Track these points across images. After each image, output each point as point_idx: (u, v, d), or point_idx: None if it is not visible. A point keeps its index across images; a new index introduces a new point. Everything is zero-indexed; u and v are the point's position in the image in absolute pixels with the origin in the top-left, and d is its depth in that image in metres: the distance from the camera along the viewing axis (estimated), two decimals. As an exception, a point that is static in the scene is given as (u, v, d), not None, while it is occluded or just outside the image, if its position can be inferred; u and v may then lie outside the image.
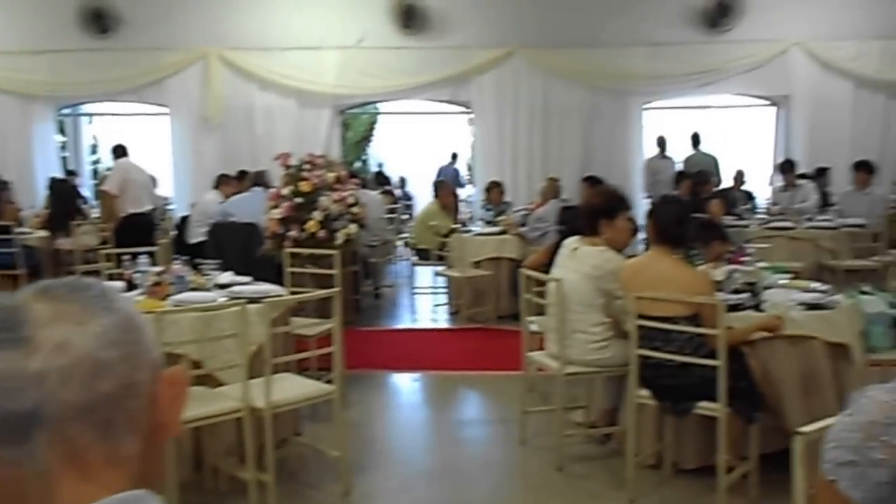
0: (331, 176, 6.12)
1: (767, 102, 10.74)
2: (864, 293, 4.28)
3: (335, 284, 4.44)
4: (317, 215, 5.82)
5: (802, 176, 8.96)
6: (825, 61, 10.04)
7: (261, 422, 3.34)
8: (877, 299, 4.22)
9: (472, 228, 7.98)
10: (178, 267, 4.02)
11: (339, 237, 5.95)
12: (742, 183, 9.25)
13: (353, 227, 5.99)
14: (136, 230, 7.37)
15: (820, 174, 9.37)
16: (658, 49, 9.92)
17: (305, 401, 3.62)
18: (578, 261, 3.94)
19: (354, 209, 6.16)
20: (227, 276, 4.37)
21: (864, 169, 8.30)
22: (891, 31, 9.92)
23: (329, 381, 3.66)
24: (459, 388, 5.54)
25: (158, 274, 3.95)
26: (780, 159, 9.86)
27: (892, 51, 9.93)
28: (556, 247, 4.45)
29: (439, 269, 7.73)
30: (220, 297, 3.90)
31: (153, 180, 8.85)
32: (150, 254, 4.28)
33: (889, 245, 7.44)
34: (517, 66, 9.99)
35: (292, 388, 3.57)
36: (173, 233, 8.64)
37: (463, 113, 10.80)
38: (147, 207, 8.11)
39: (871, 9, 9.98)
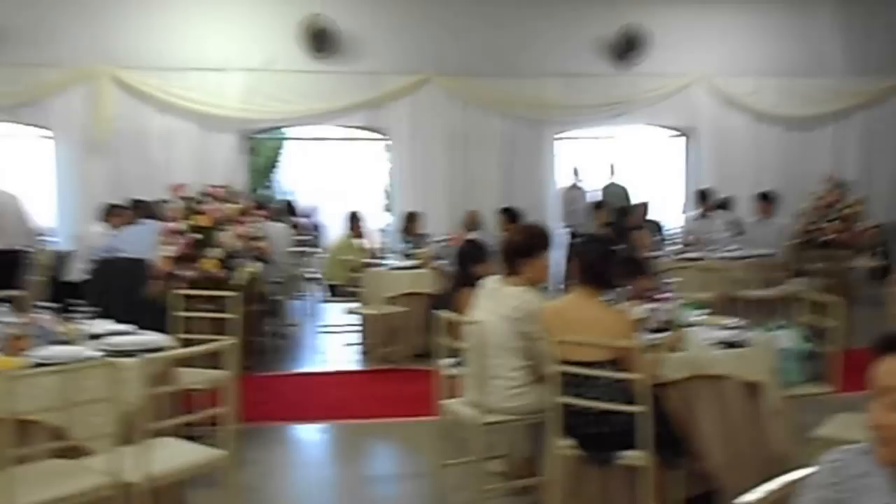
0: (232, 208, 5.78)
1: (677, 134, 11.08)
2: (776, 328, 4.31)
3: (232, 330, 4.13)
4: (216, 252, 5.47)
5: (719, 206, 9.17)
6: (726, 96, 10.50)
7: (136, 499, 2.93)
8: (789, 333, 4.24)
9: (387, 262, 7.77)
10: (41, 316, 3.56)
11: (241, 276, 5.61)
12: (647, 213, 9.37)
13: (256, 265, 5.67)
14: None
15: (722, 205, 9.57)
16: (570, 80, 10.09)
17: (190, 470, 3.24)
18: (498, 301, 3.79)
19: (258, 244, 5.85)
20: (103, 325, 3.96)
21: (765, 199, 8.58)
22: (785, 69, 10.49)
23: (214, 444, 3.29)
24: (370, 438, 5.25)
25: (18, 325, 3.45)
26: (691, 189, 10.14)
27: (787, 87, 10.50)
28: (461, 285, 4.30)
29: (351, 305, 7.45)
30: (90, 351, 3.47)
31: (24, 211, 7.75)
32: (11, 300, 3.83)
33: (794, 274, 7.64)
34: (433, 93, 9.93)
35: (174, 455, 3.19)
36: (50, 272, 7.81)
37: (379, 140, 10.63)
38: (16, 242, 7.32)
39: (767, 48, 10.54)
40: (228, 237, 5.57)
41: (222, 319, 4.58)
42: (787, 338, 4.21)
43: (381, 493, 4.37)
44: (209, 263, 5.50)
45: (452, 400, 4.00)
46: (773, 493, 1.81)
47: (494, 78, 9.98)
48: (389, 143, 10.27)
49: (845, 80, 10.66)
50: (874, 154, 10.83)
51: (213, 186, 6.04)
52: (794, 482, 1.80)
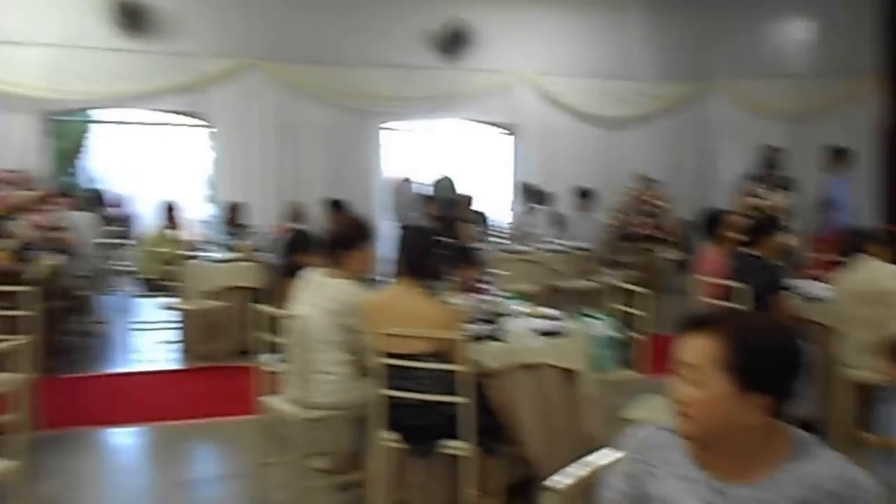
0: (28, 195, 5.31)
1: (505, 130, 11.44)
2: (591, 317, 4.54)
3: (28, 328, 3.78)
4: (9, 244, 4.99)
5: (542, 201, 9.55)
6: (549, 95, 10.94)
7: None
8: (603, 322, 4.49)
9: (207, 254, 7.44)
10: None
11: (39, 269, 5.16)
12: (470, 205, 9.62)
13: (57, 258, 5.24)
14: None
15: (545, 200, 9.98)
16: (397, 71, 10.12)
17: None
18: (321, 294, 3.73)
19: (59, 235, 5.41)
20: None
21: (584, 196, 9.08)
22: (602, 72, 11.07)
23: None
24: (188, 440, 5.00)
25: None
26: (518, 184, 10.51)
27: (607, 90, 11.10)
28: (288, 275, 4.21)
29: (168, 300, 7.08)
30: None
31: None
32: None
33: (608, 266, 8.13)
34: (258, 79, 9.61)
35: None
36: None
37: (200, 126, 10.14)
38: None
39: (585, 50, 11.07)
40: (22, 227, 5.11)
41: (15, 317, 4.20)
42: (600, 326, 4.46)
43: (200, 497, 4.18)
44: (0, 255, 5.02)
45: (274, 397, 3.90)
46: (581, 476, 1.91)
47: (321, 66, 9.82)
48: (214, 130, 9.87)
49: (654, 85, 11.46)
50: (680, 155, 11.72)
51: (6, 171, 5.52)
52: (602, 464, 1.91)
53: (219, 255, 7.33)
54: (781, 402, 1.55)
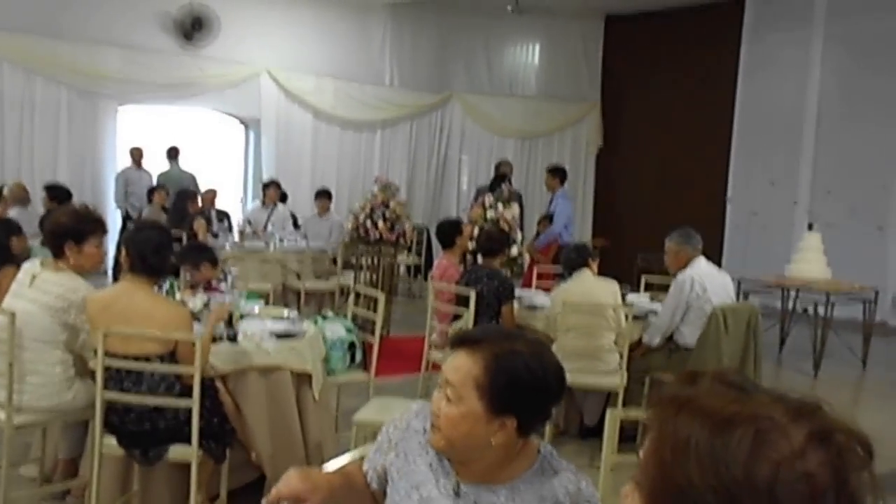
0: None
1: (243, 123, 11.27)
2: (326, 319, 4.69)
3: None
4: None
5: (279, 198, 9.53)
6: (289, 90, 10.98)
7: None
8: (337, 324, 4.66)
9: None
10: None
11: None
12: (215, 201, 9.42)
13: None
14: None
15: (283, 198, 10.00)
16: (133, 52, 9.61)
17: None
18: (38, 289, 3.50)
19: None
20: None
21: (323, 196, 9.23)
22: (343, 73, 11.32)
23: None
24: None
25: None
26: (254, 180, 10.40)
27: (349, 92, 11.38)
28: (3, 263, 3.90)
29: None
30: None
31: None
32: None
33: (346, 268, 8.37)
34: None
35: None
36: None
37: None
38: None
39: (327, 50, 11.25)
40: None
41: None
42: (335, 328, 4.62)
43: None
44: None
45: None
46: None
47: (47, 39, 9.06)
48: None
49: (396, 92, 11.96)
50: (419, 162, 12.36)
51: None
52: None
53: None
54: (531, 423, 1.66)
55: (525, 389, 1.61)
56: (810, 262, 7.61)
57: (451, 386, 1.64)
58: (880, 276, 9.07)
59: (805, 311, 7.79)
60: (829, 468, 0.87)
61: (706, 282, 4.99)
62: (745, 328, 4.98)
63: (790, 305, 7.98)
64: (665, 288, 5.33)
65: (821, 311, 7.30)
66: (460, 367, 1.64)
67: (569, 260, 5.15)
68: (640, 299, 5.90)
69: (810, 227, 7.84)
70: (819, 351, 7.25)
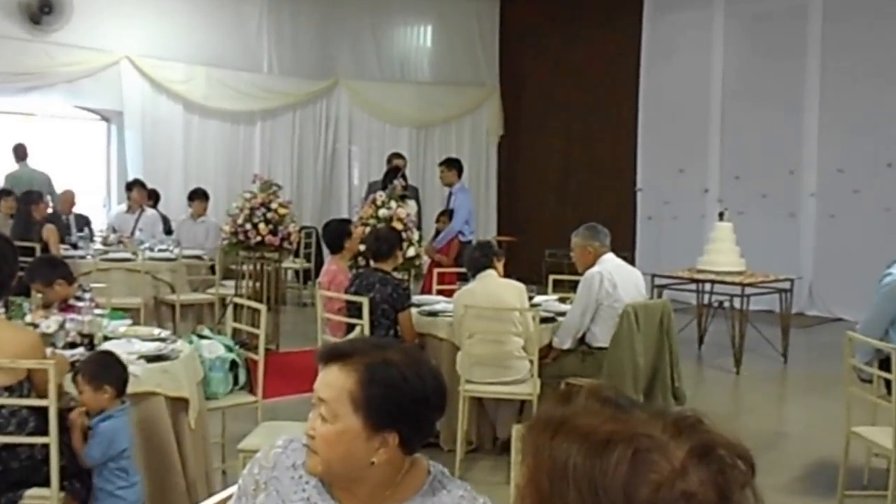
0: None
1: (102, 117, 10.84)
2: (203, 336, 4.56)
3: None
4: None
5: (148, 200, 9.20)
6: (154, 80, 10.63)
7: None
8: (216, 342, 4.54)
9: None
10: None
11: None
12: (73, 205, 9.02)
13: None
14: None
15: (152, 200, 9.63)
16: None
17: None
18: None
19: None
20: None
21: (198, 197, 9.00)
22: (215, 59, 11.03)
23: None
24: None
25: None
26: (118, 181, 10.02)
27: (218, 78, 11.09)
28: None
29: None
30: None
31: None
32: None
33: (225, 277, 8.18)
34: None
35: None
36: None
37: None
38: None
39: (198, 36, 10.95)
40: None
41: None
42: (214, 346, 4.50)
43: None
44: None
45: None
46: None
47: None
48: None
49: (277, 80, 11.76)
50: (302, 157, 12.19)
51: None
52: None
53: None
54: (414, 437, 1.67)
55: (403, 400, 1.64)
56: (723, 252, 7.90)
57: (324, 404, 1.64)
58: (794, 264, 9.52)
59: (721, 304, 8.09)
60: (711, 486, 0.89)
61: (616, 278, 5.11)
62: (657, 325, 5.12)
63: (706, 299, 8.27)
64: (574, 287, 5.43)
65: (737, 303, 7.59)
66: (332, 382, 1.65)
67: (472, 260, 5.18)
68: (549, 300, 5.98)
69: (721, 216, 8.13)
70: (739, 346, 7.53)
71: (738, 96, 10.69)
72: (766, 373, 7.68)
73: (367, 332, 4.86)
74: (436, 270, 7.43)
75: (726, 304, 7.91)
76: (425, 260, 7.40)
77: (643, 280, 5.47)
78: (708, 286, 8.10)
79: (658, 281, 7.94)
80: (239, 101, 11.35)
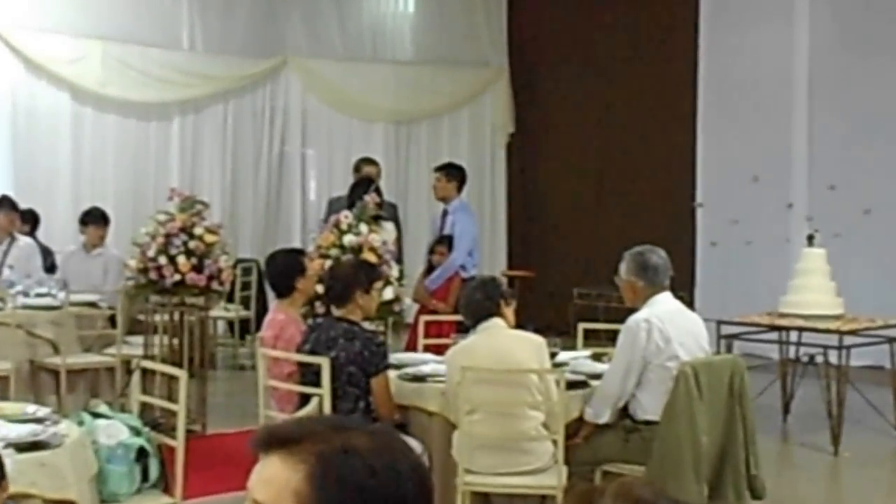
0: None
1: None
2: (98, 415, 4.53)
3: None
4: None
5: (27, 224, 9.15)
6: (31, 59, 10.58)
7: None
8: (116, 423, 4.50)
9: None
10: None
11: None
12: None
13: None
14: None
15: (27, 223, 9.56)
16: None
17: None
18: None
19: None
20: None
21: (93, 220, 8.93)
22: (115, 32, 11.01)
23: None
24: None
25: None
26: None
27: (119, 57, 11.01)
28: None
29: None
30: None
31: None
32: None
33: (128, 330, 8.07)
34: None
35: None
36: None
37: None
38: None
39: (94, 2, 10.96)
40: None
41: None
42: (113, 427, 4.46)
43: None
44: None
45: None
46: None
47: None
48: None
49: (198, 58, 11.68)
50: (238, 165, 12.11)
51: None
52: None
53: None
54: None
55: (371, 501, 1.61)
56: (813, 289, 7.87)
57: None
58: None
59: (812, 360, 8.05)
60: None
61: (668, 328, 5.08)
62: (726, 391, 5.09)
63: (791, 353, 8.23)
64: (613, 339, 5.40)
65: (833, 358, 7.55)
66: (272, 478, 1.62)
67: (472, 304, 5.16)
68: (578, 358, 5.95)
69: (810, 240, 8.09)
70: (837, 416, 7.49)
71: (830, 80, 10.71)
72: (875, 453, 7.63)
73: (327, 405, 4.83)
74: (423, 318, 7.38)
75: (819, 360, 7.87)
76: (409, 305, 7.36)
77: (705, 329, 5.44)
78: (794, 335, 8.09)
79: (726, 329, 7.91)
80: (149, 87, 11.35)
